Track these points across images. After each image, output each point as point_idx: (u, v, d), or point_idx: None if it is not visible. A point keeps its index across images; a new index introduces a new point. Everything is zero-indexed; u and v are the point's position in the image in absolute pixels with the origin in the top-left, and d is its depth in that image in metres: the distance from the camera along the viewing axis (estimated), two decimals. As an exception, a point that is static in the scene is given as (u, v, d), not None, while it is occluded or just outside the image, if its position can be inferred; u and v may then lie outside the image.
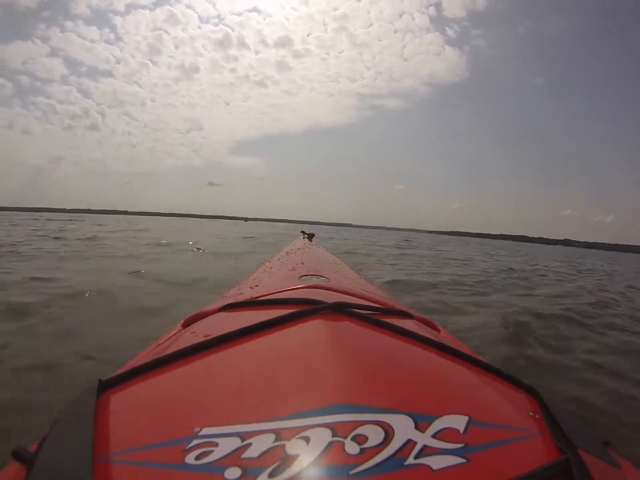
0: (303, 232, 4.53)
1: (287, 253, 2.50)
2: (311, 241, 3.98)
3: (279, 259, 2.11)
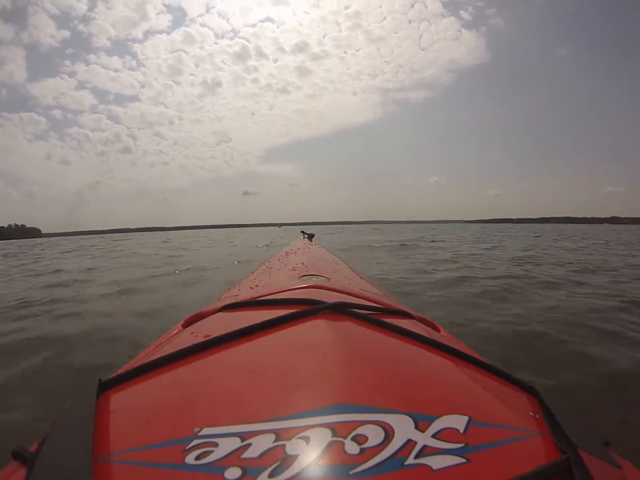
0: (302, 232, 4.52)
1: (286, 253, 2.48)
2: (311, 241, 3.97)
3: (279, 259, 2.10)
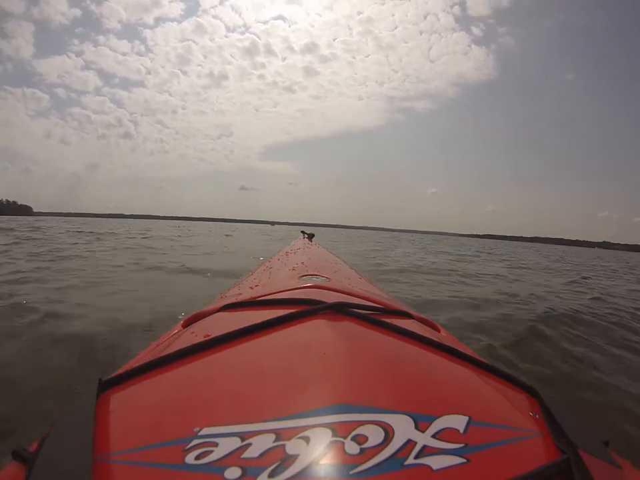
0: (302, 232, 4.52)
1: (286, 253, 2.48)
2: (311, 241, 3.97)
3: (279, 259, 2.10)
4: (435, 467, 0.28)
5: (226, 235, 21.02)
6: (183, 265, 5.89)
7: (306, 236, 4.24)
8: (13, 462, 0.33)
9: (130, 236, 14.62)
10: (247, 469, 0.27)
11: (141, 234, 16.87)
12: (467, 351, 0.62)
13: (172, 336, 0.72)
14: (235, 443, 0.29)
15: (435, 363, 0.49)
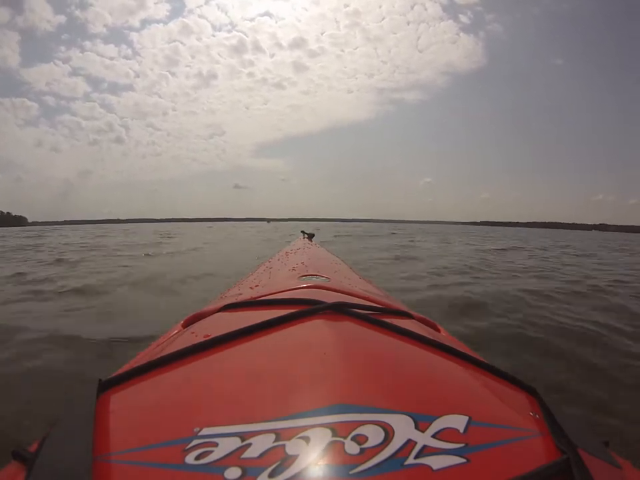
0: (303, 232, 4.48)
1: (286, 253, 2.48)
2: (311, 241, 3.96)
3: (278, 259, 2.10)
4: (435, 467, 0.28)
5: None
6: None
7: (306, 236, 4.21)
8: (13, 462, 0.33)
9: (86, 247, 11.54)
10: (247, 469, 0.27)
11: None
12: (467, 350, 0.62)
13: (172, 336, 0.72)
14: (235, 443, 0.29)
15: (434, 363, 0.49)
